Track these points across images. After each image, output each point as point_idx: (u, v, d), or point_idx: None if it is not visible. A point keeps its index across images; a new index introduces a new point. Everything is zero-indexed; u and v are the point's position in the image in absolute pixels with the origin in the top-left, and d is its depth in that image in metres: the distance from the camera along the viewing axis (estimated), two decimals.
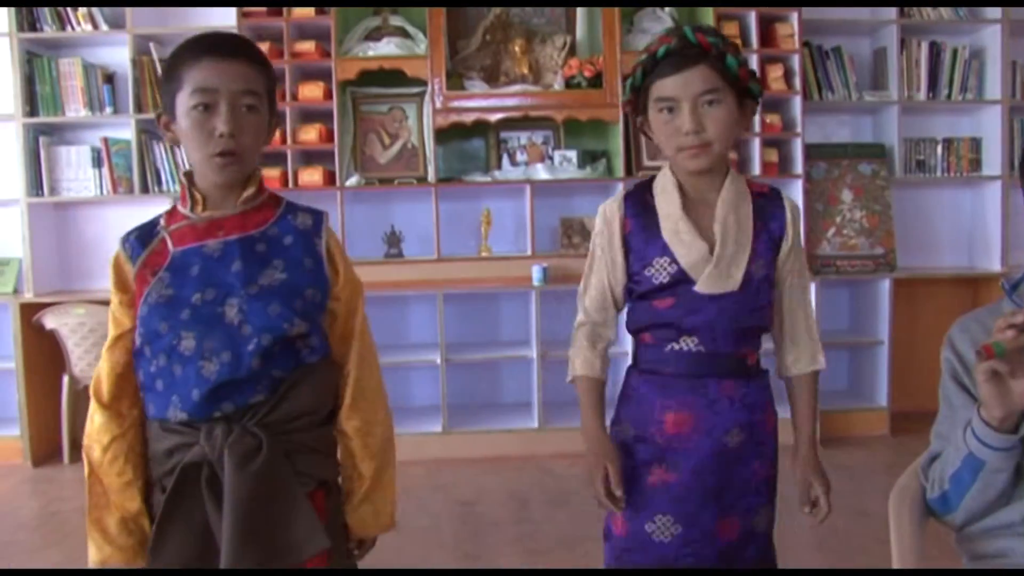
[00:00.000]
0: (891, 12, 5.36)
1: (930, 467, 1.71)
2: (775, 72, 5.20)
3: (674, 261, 1.87)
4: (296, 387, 1.70)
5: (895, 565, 1.77)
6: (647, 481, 1.90)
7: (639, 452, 1.92)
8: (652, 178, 1.97)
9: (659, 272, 1.88)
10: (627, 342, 2.07)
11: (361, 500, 1.82)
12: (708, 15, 5.15)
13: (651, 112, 1.88)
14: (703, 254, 1.85)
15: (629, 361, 2.05)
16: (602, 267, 1.96)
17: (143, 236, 1.76)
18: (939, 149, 5.51)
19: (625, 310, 2.02)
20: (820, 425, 5.13)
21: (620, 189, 1.97)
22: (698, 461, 1.88)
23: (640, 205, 1.93)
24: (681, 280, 1.86)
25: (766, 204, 1.94)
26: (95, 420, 1.73)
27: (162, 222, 1.77)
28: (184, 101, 1.66)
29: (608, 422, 2.00)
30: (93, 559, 1.73)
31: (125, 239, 1.77)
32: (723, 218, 1.88)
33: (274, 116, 1.78)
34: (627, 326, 2.00)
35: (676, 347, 1.89)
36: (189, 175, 1.76)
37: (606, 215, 1.96)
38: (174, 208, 1.78)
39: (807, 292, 2.00)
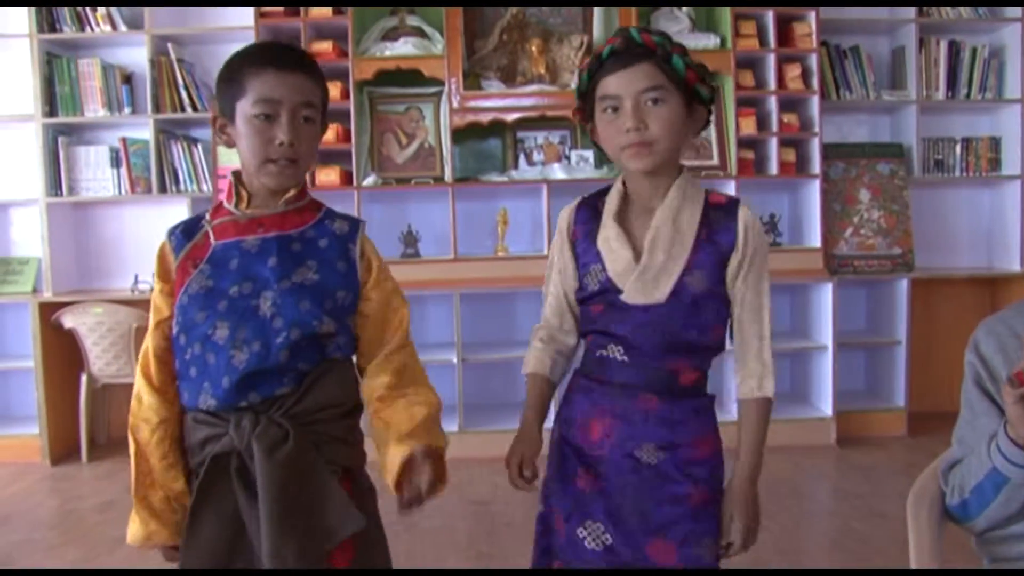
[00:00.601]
0: (910, 11, 5.34)
1: (950, 472, 1.70)
2: (792, 71, 5.18)
3: (605, 269, 1.85)
4: (320, 380, 1.75)
5: (913, 566, 1.76)
6: (577, 484, 1.87)
7: (565, 452, 1.90)
8: (610, 186, 1.95)
9: (592, 279, 1.86)
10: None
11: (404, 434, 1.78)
12: (725, 14, 5.13)
13: (596, 114, 1.85)
14: (628, 262, 1.82)
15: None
16: (557, 272, 1.96)
17: (188, 230, 1.83)
18: (958, 149, 5.48)
19: None
20: (836, 426, 5.13)
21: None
22: (617, 474, 1.83)
23: (591, 212, 1.92)
24: (608, 288, 1.84)
25: (718, 215, 1.85)
26: (143, 400, 1.79)
27: (207, 216, 1.85)
28: (246, 109, 1.74)
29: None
30: (137, 535, 1.78)
31: (172, 232, 1.84)
32: (656, 226, 1.82)
33: (325, 124, 1.85)
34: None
35: (604, 354, 1.86)
36: (237, 174, 1.84)
37: (560, 221, 1.97)
38: (220, 203, 1.86)
39: (762, 312, 1.88)
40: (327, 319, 1.75)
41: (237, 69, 1.76)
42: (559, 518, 1.88)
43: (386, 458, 1.77)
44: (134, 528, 1.79)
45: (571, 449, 1.89)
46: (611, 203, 1.89)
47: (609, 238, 1.85)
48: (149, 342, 1.81)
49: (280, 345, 1.70)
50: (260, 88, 1.72)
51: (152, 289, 1.86)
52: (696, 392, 1.88)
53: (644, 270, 1.80)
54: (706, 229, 1.84)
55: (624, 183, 1.91)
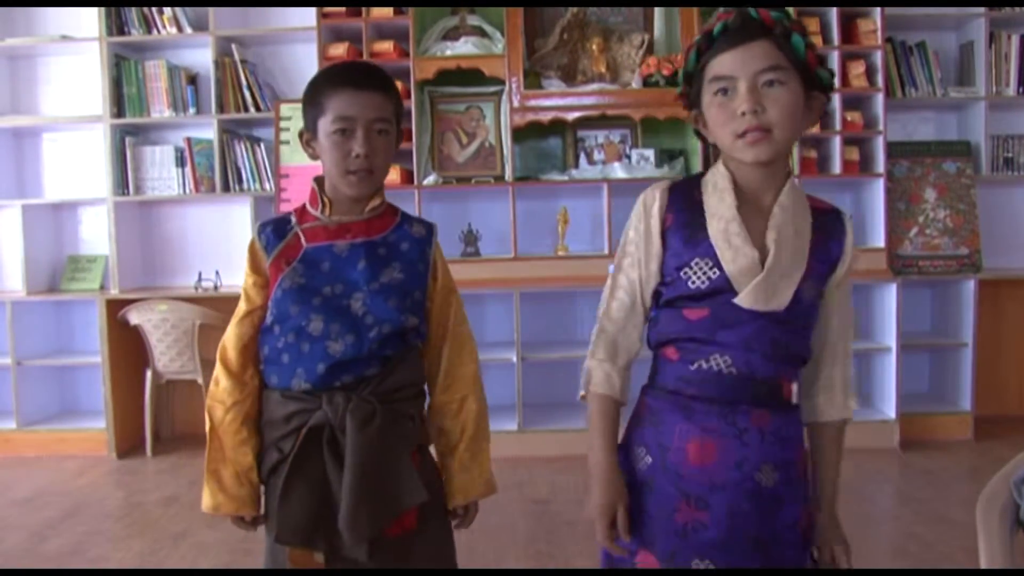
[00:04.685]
0: (979, 6, 5.22)
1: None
2: (856, 69, 5.10)
3: (717, 266, 1.65)
4: (401, 363, 1.94)
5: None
6: (676, 519, 1.67)
7: (660, 483, 1.69)
8: (701, 174, 1.75)
9: (697, 276, 1.66)
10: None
11: (458, 470, 2.02)
12: (788, 11, 5.06)
13: (705, 98, 1.66)
14: (752, 262, 1.63)
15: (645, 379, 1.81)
16: (635, 263, 1.74)
17: (278, 229, 1.98)
18: None
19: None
20: (900, 429, 5.06)
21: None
22: (732, 502, 1.65)
23: (686, 200, 1.71)
24: (722, 289, 1.64)
25: (828, 222, 1.72)
26: (220, 383, 1.96)
27: (293, 220, 1.99)
28: (325, 125, 1.90)
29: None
30: (206, 504, 1.97)
31: (260, 230, 1.99)
32: (779, 226, 1.65)
33: (400, 135, 2.00)
34: (649, 338, 1.78)
35: (704, 365, 1.66)
36: (320, 180, 1.99)
37: (645, 204, 1.74)
38: (303, 207, 2.01)
39: (850, 328, 1.78)
40: (410, 316, 1.94)
41: (318, 90, 1.92)
42: (651, 558, 1.71)
43: (452, 483, 2.02)
44: (205, 497, 1.97)
45: (668, 479, 1.69)
46: (726, 194, 1.68)
47: (731, 232, 1.65)
48: (233, 330, 1.98)
49: (372, 339, 1.88)
50: (336, 106, 1.88)
51: (244, 281, 2.01)
52: (794, 405, 1.73)
53: (769, 273, 1.63)
54: (820, 235, 1.70)
55: (729, 172, 1.71)
